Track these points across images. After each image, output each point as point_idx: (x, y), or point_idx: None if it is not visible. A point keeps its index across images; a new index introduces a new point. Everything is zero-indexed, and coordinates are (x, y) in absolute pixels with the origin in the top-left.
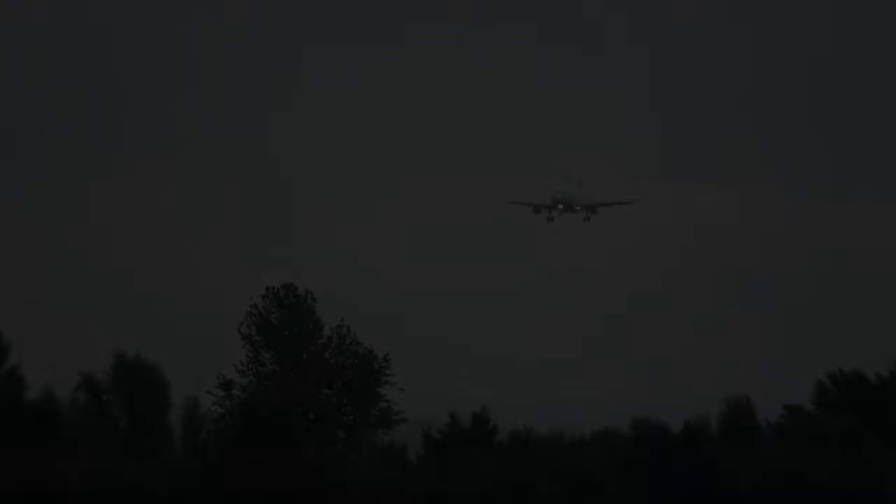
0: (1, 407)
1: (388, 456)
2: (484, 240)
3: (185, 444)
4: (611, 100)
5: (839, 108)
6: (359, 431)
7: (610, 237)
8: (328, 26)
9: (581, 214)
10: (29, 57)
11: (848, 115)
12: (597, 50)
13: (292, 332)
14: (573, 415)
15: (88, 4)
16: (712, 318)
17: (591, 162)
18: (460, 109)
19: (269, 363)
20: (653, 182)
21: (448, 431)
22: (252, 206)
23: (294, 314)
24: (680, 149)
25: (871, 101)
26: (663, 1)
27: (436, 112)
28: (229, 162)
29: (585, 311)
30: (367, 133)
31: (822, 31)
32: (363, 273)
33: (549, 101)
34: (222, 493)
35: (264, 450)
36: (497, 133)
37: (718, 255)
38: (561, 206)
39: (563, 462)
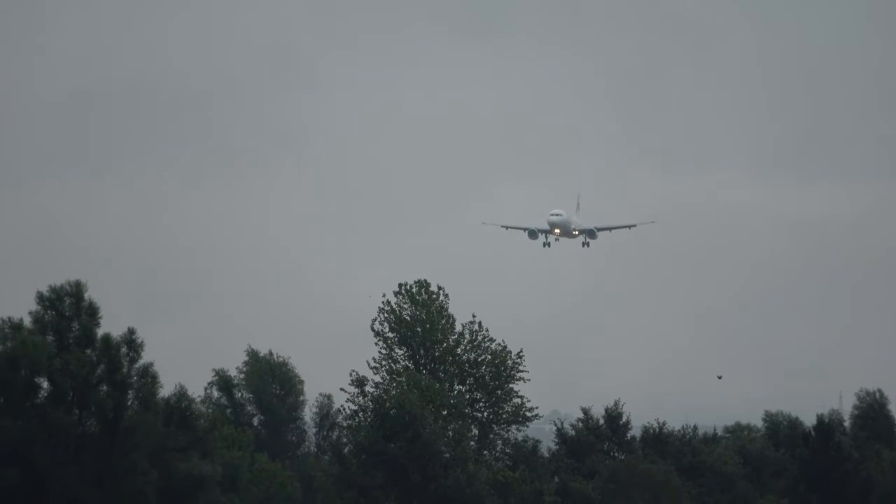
0: (135, 404)
1: (521, 452)
2: None
3: (318, 440)
4: None
5: None
6: (492, 427)
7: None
8: None
9: (579, 240)
10: None
11: None
12: None
13: (425, 329)
14: (705, 410)
15: None
16: (834, 316)
17: None
18: None
19: (402, 359)
20: None
21: (581, 427)
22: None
23: (427, 310)
24: None
25: None
26: None
27: None
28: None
29: (710, 309)
30: None
31: None
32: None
33: None
34: (357, 488)
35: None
36: None
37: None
38: (558, 231)
39: (696, 456)
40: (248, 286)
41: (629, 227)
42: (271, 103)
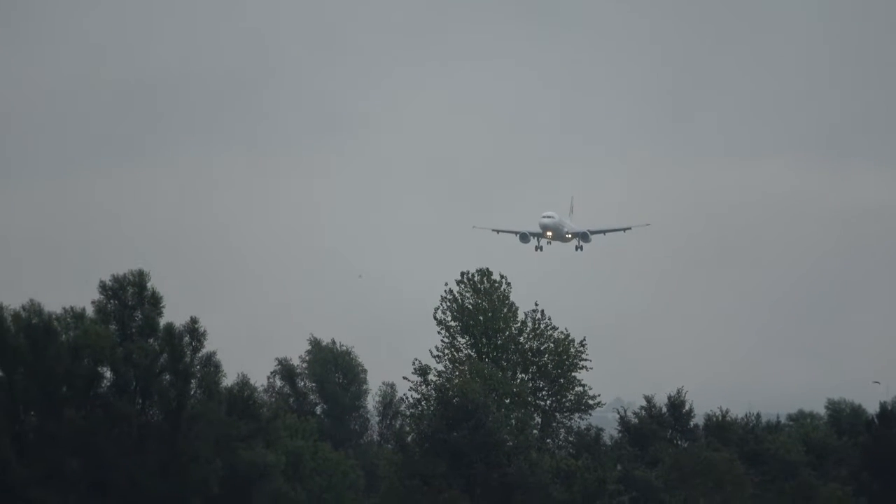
0: (198, 393)
1: (584, 440)
2: None
3: (381, 429)
4: None
5: None
6: (555, 416)
7: None
8: None
9: (573, 243)
10: None
11: None
12: None
13: (487, 317)
14: (768, 398)
15: None
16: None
17: None
18: None
19: (465, 348)
20: None
21: (644, 415)
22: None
23: (489, 299)
24: None
25: None
26: None
27: None
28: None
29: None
30: None
31: None
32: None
33: None
34: (420, 476)
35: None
36: None
37: None
38: (549, 234)
39: (759, 444)
40: (311, 275)
41: (624, 229)
42: (323, 88)
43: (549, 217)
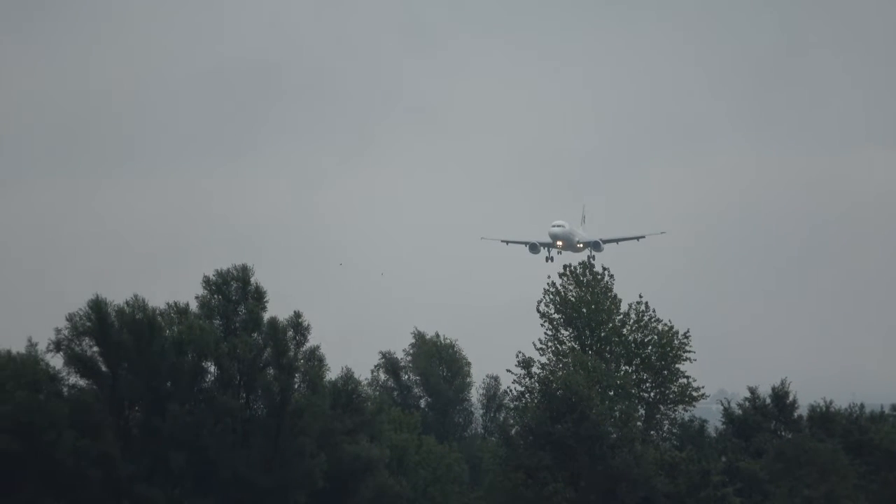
0: (302, 387)
1: (688, 432)
2: None
3: (485, 422)
4: None
5: None
6: (658, 407)
7: None
8: None
9: (584, 253)
10: None
11: None
12: None
13: (590, 310)
14: (872, 389)
15: None
16: None
17: None
18: None
19: (568, 340)
20: None
21: (748, 406)
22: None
23: (592, 291)
24: None
25: None
26: None
27: None
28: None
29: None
30: None
31: None
32: None
33: None
34: (524, 469)
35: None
36: None
37: None
38: (560, 244)
39: (863, 435)
40: (412, 268)
41: (637, 238)
42: (407, 80)
43: (558, 226)
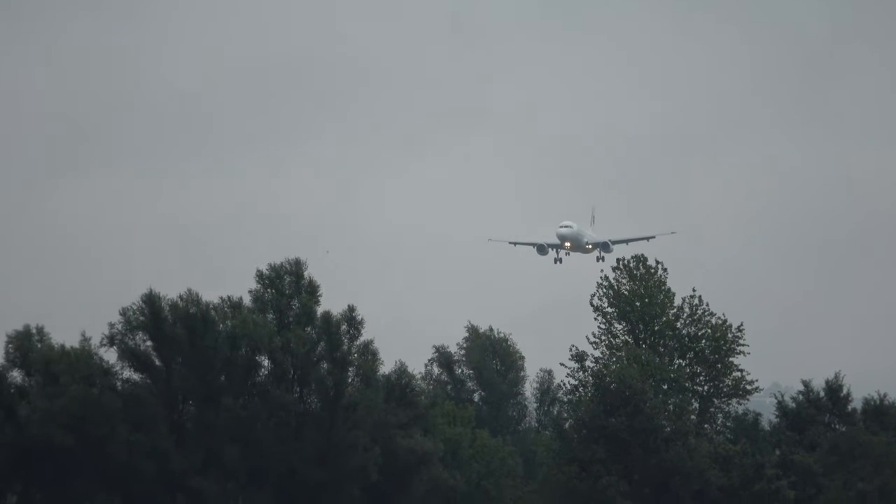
0: (356, 381)
1: (742, 425)
2: None
3: (539, 415)
4: None
5: None
6: (712, 401)
7: None
8: None
9: (594, 254)
10: None
11: None
12: None
13: (644, 303)
14: None
15: None
16: None
17: None
18: None
19: (622, 334)
20: None
21: (801, 399)
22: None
23: (645, 285)
24: None
25: None
26: None
27: None
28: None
29: None
30: None
31: None
32: None
33: None
34: (577, 462)
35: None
36: None
37: None
38: (568, 245)
39: None
40: (464, 262)
41: (647, 238)
42: (448, 77)
43: (566, 227)
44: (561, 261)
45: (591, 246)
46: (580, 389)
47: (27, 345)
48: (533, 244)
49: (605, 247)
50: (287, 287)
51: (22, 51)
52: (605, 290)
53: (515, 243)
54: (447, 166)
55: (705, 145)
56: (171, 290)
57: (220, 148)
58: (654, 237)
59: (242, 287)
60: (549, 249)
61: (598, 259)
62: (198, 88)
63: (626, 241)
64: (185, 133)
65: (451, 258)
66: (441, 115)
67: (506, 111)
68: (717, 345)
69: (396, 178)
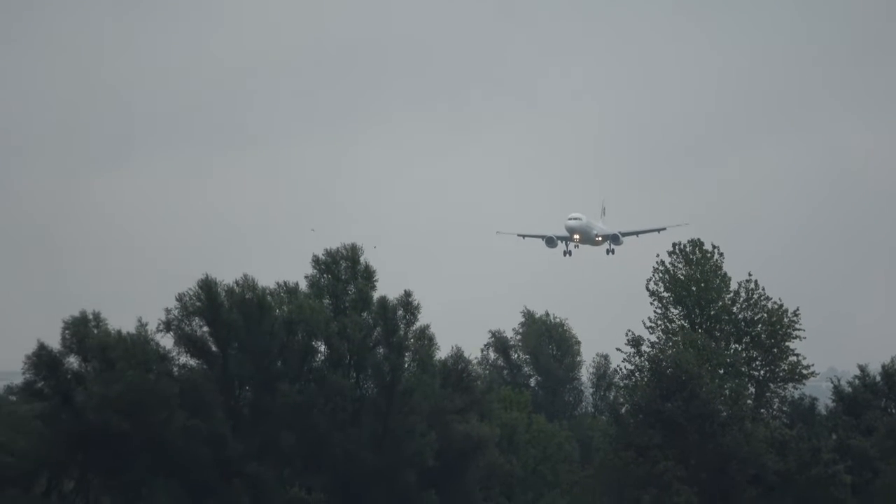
0: (412, 366)
1: (798, 410)
2: None
3: (595, 400)
4: None
5: None
6: (768, 385)
7: None
8: None
9: (603, 246)
10: None
11: None
12: None
13: (700, 288)
14: None
15: None
16: None
17: None
18: None
19: (678, 319)
20: None
21: (858, 384)
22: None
23: (701, 269)
24: None
25: None
26: None
27: None
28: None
29: None
30: None
31: None
32: None
33: None
34: (634, 447)
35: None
36: None
37: None
38: (577, 238)
39: None
40: (520, 245)
41: (659, 230)
42: (503, 59)
43: (575, 219)
44: (570, 253)
45: (600, 238)
46: (636, 374)
47: (83, 331)
48: (542, 236)
49: (615, 239)
50: (343, 272)
51: (68, 39)
52: (661, 275)
53: (524, 235)
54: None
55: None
56: (228, 276)
57: (270, 132)
58: (664, 229)
59: (298, 272)
60: (558, 242)
61: (608, 252)
62: (247, 71)
63: (637, 233)
64: (237, 117)
65: (505, 243)
66: (490, 98)
67: (554, 96)
68: (774, 329)
69: (447, 164)
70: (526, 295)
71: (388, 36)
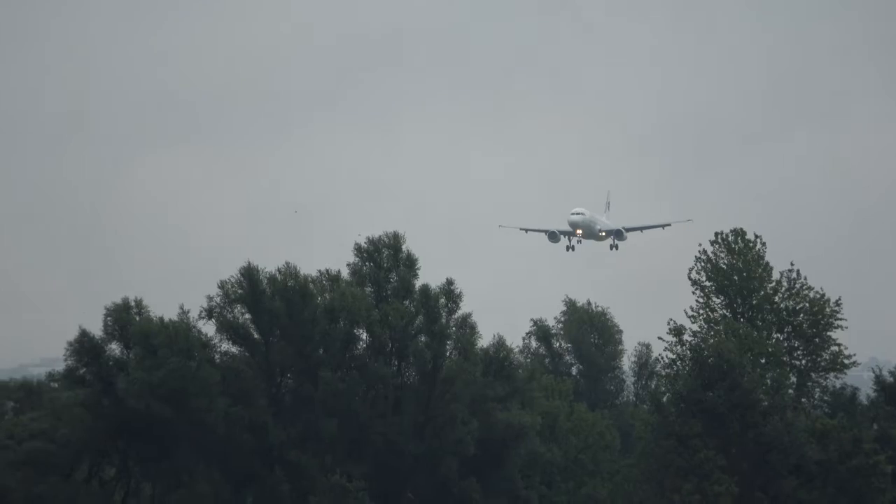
0: (454, 354)
1: (839, 399)
2: None
3: (636, 389)
4: None
5: None
6: (810, 375)
7: None
8: None
9: (607, 242)
10: None
11: None
12: None
13: (742, 277)
14: None
15: None
16: None
17: None
18: None
19: (720, 308)
20: None
21: None
22: None
23: (743, 259)
24: None
25: None
26: None
27: None
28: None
29: None
30: None
31: None
32: None
33: None
34: (675, 436)
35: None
36: None
37: None
38: (580, 233)
39: None
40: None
41: (663, 226)
42: (540, 45)
43: (578, 214)
44: (573, 248)
45: (604, 234)
46: (678, 363)
47: (125, 317)
48: (544, 231)
49: (618, 234)
50: (385, 260)
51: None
52: (703, 264)
53: (527, 230)
54: (538, 135)
55: (808, 117)
56: (270, 264)
57: (310, 121)
58: (669, 225)
59: (341, 260)
60: (561, 237)
61: (611, 247)
62: (293, 64)
63: (641, 229)
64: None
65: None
66: (533, 83)
67: (597, 81)
68: (815, 319)
69: (490, 152)
70: (568, 283)
71: (429, 28)
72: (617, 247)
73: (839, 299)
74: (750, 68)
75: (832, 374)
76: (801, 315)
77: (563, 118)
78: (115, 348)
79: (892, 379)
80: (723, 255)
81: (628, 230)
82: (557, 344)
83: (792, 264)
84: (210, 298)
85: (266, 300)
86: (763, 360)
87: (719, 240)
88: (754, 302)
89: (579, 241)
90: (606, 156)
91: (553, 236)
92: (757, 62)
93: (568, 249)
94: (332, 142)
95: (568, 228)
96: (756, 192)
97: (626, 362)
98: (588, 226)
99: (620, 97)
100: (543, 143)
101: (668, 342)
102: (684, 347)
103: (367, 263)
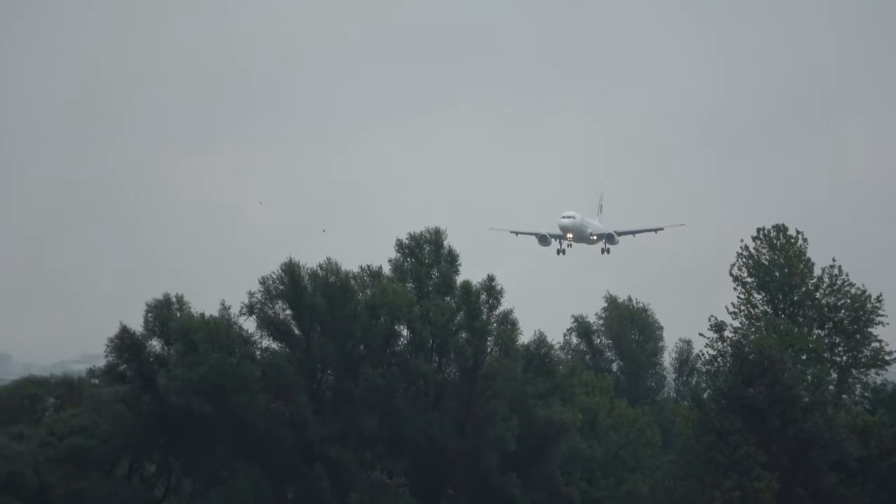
0: (495, 351)
1: (880, 396)
2: None
3: (677, 385)
4: None
5: None
6: (851, 371)
7: None
8: None
9: (598, 245)
10: None
11: None
12: None
13: (783, 273)
14: None
15: None
16: None
17: None
18: None
19: (761, 304)
20: None
21: None
22: None
23: (785, 255)
24: None
25: None
26: None
27: None
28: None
29: None
30: None
31: None
32: None
33: None
34: (716, 432)
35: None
36: None
37: None
38: (570, 236)
39: None
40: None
41: (655, 230)
42: (562, 33)
43: (569, 217)
44: (564, 252)
45: (595, 237)
46: (719, 360)
47: (166, 313)
48: (535, 234)
49: (609, 238)
50: (427, 256)
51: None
52: (744, 260)
53: (517, 232)
54: (569, 130)
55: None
56: (311, 260)
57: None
58: (662, 229)
59: (382, 256)
60: (552, 240)
61: (602, 251)
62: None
63: (633, 233)
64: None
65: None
66: (558, 76)
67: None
68: (857, 315)
69: (523, 142)
70: (608, 279)
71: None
72: (608, 250)
73: (880, 295)
74: (793, 62)
75: (873, 371)
76: (843, 311)
77: (592, 117)
78: (155, 344)
79: None
80: (764, 251)
81: (620, 234)
82: (598, 340)
83: (833, 260)
84: (251, 294)
85: (307, 296)
86: (804, 357)
87: (761, 236)
88: (795, 298)
89: (570, 245)
90: (633, 154)
91: (543, 239)
92: (793, 59)
93: (559, 253)
94: (355, 140)
95: (558, 232)
96: (797, 188)
97: (667, 358)
98: (578, 229)
99: (671, 89)
100: (564, 142)
101: (709, 338)
102: (725, 344)
103: (408, 259)
